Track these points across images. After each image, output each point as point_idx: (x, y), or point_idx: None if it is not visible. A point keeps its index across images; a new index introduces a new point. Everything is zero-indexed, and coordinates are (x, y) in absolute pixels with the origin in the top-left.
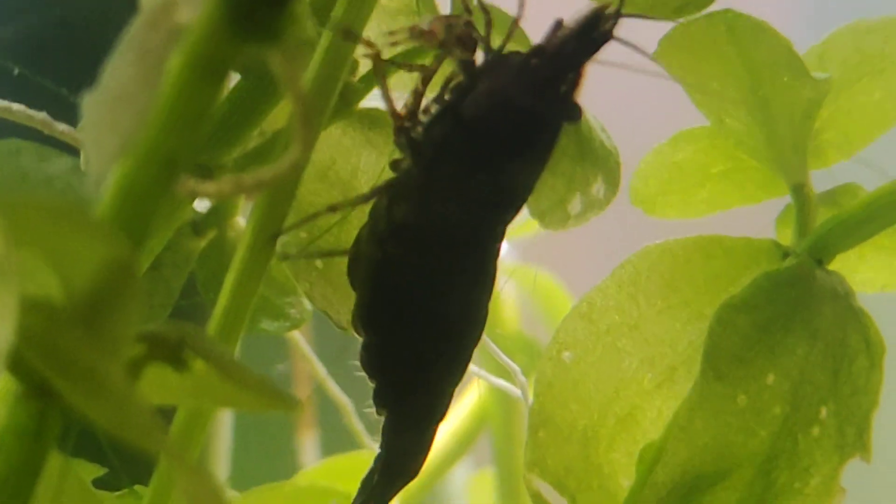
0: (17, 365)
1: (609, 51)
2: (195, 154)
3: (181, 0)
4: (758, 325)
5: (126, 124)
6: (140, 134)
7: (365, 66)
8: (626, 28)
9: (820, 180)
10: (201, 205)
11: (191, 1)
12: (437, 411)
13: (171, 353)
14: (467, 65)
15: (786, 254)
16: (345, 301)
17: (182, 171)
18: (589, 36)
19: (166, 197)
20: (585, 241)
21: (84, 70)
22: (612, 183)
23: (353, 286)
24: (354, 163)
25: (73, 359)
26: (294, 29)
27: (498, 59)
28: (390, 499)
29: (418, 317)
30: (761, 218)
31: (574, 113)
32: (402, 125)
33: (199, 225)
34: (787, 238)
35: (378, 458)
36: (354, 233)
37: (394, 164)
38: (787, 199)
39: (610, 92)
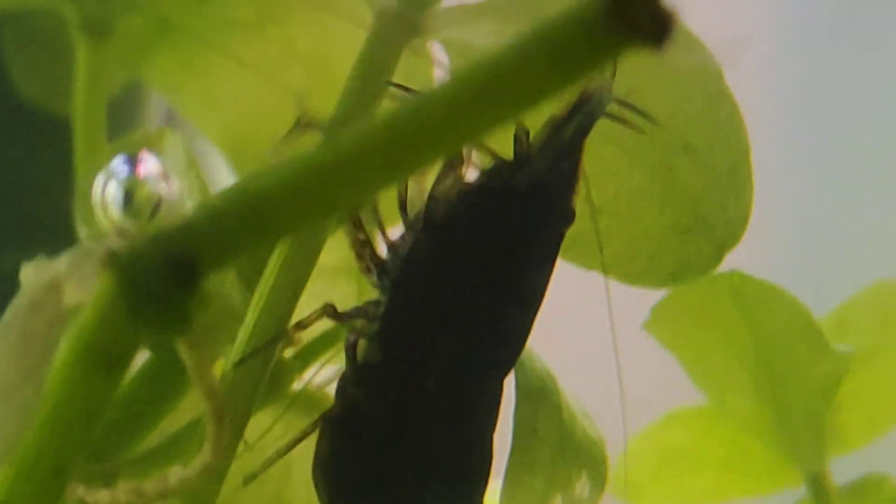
0: None
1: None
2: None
3: (68, 279)
4: None
5: (6, 426)
6: (23, 438)
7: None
8: None
9: (840, 468)
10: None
11: (79, 281)
12: None
13: None
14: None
15: None
16: None
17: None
18: (578, 115)
19: None
20: None
21: None
22: (599, 480)
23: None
24: (287, 457)
25: None
26: (206, 312)
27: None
28: None
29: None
30: None
31: (567, 214)
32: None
33: None
34: None
35: None
36: None
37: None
38: (802, 490)
39: (590, 365)
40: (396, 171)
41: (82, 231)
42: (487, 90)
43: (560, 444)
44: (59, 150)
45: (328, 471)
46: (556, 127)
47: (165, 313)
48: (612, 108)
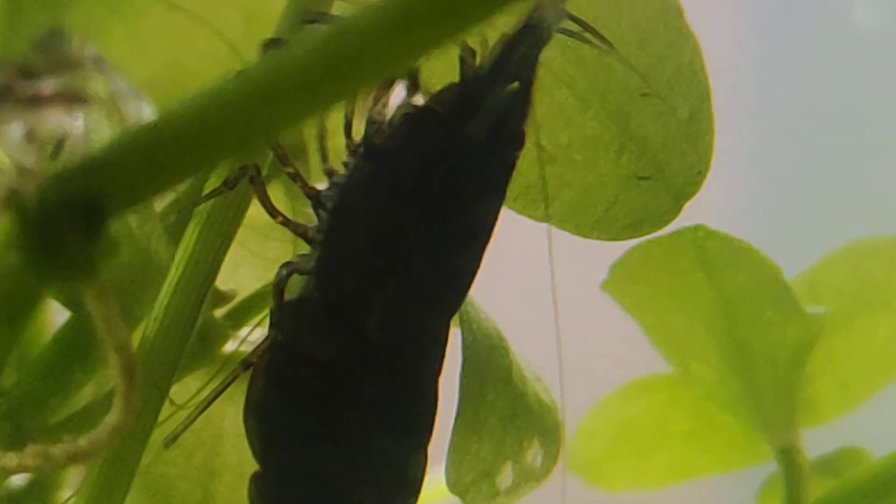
0: None
1: None
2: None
3: None
4: None
5: None
6: None
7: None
8: None
9: (813, 441)
10: (18, 479)
11: None
12: None
13: None
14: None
15: None
16: None
17: None
18: (529, 33)
19: None
20: None
21: None
22: (552, 448)
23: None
24: (217, 424)
25: None
26: (113, 260)
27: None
28: None
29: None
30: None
31: (515, 138)
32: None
33: (15, 502)
34: None
35: None
36: None
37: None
38: (773, 465)
39: (545, 326)
40: (316, 102)
41: None
42: (422, 7)
43: (510, 409)
44: None
45: (259, 416)
46: (506, 47)
47: (70, 259)
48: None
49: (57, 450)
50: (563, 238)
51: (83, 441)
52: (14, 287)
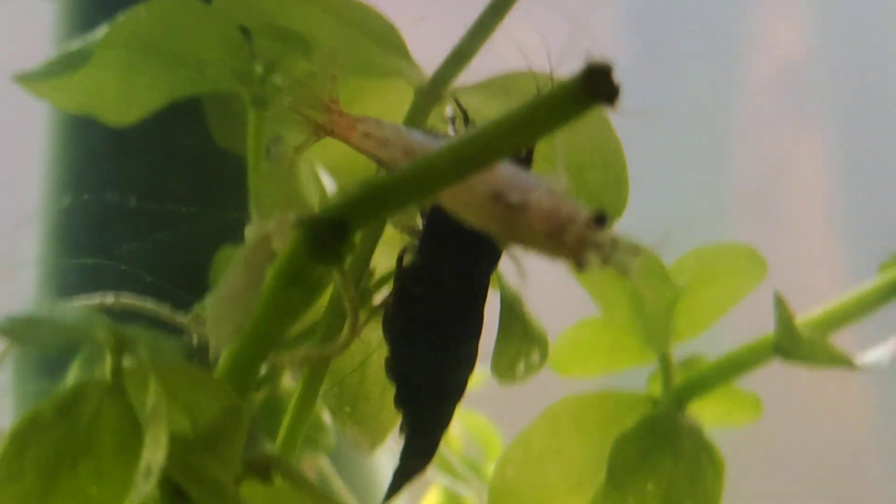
0: (163, 478)
1: None
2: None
3: (275, 233)
4: (641, 450)
5: (237, 316)
6: (245, 323)
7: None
8: None
9: (677, 352)
10: None
11: (282, 234)
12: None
13: (261, 471)
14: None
15: (656, 402)
16: (366, 435)
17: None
18: None
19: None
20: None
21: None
22: (544, 354)
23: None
24: (365, 367)
25: (200, 473)
26: (351, 253)
27: None
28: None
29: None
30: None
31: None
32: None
33: (256, 384)
34: (656, 391)
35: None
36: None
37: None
38: (656, 364)
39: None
40: (455, 177)
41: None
42: (501, 134)
43: (524, 333)
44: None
45: (391, 325)
46: None
47: (329, 252)
48: None
49: (311, 352)
50: None
51: (328, 349)
52: (298, 267)
